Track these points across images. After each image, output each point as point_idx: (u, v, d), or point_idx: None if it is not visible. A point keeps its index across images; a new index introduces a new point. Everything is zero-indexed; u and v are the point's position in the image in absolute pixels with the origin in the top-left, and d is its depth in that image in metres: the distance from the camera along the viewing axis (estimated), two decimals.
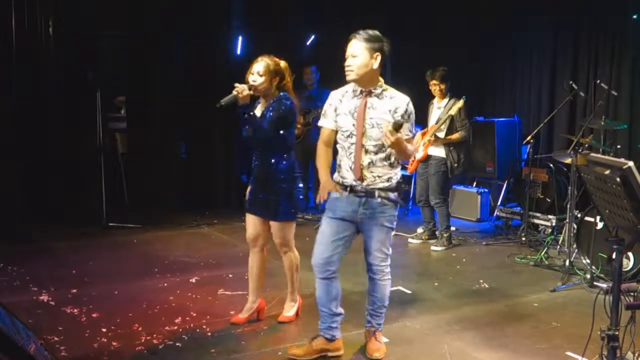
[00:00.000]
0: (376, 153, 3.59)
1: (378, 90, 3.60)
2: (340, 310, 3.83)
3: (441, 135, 6.35)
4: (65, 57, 7.33)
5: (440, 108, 6.45)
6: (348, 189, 3.64)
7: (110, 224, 6.89)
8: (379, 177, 3.61)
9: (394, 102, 3.58)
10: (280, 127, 4.04)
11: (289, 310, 4.41)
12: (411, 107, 3.61)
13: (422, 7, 8.74)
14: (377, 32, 3.56)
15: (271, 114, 4.02)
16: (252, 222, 4.27)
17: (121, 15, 7.56)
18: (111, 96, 7.64)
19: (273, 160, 4.08)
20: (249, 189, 4.26)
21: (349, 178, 3.64)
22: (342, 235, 3.68)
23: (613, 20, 7.12)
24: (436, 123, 6.37)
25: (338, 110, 3.66)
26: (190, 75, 7.94)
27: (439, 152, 6.38)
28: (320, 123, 3.79)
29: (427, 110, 6.64)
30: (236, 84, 4.00)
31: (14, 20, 7.00)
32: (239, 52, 7.96)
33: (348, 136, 3.62)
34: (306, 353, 3.75)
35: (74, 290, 4.91)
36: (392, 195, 3.66)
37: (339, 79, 3.78)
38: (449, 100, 6.41)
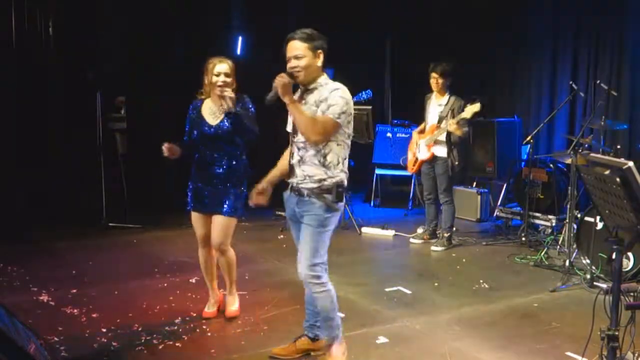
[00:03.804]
0: (306, 150, 3.47)
1: (312, 85, 3.50)
2: None
3: (442, 137, 6.32)
4: (65, 57, 7.33)
5: (441, 105, 6.35)
6: (289, 186, 3.62)
7: (110, 224, 6.89)
8: (309, 176, 3.48)
9: (319, 92, 3.46)
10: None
11: (234, 303, 4.48)
12: (336, 95, 3.39)
13: (422, 7, 8.75)
14: (314, 30, 3.50)
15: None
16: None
17: (121, 15, 7.56)
18: (111, 96, 7.63)
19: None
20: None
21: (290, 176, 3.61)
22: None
23: (613, 20, 7.12)
24: (438, 122, 6.33)
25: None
26: (190, 75, 7.91)
27: (443, 152, 6.36)
28: None
29: (424, 105, 6.55)
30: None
31: (14, 20, 7.00)
32: (239, 52, 7.96)
33: (292, 134, 3.61)
34: (289, 353, 3.78)
35: (74, 290, 4.92)
36: (327, 195, 3.45)
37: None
38: (450, 97, 6.33)
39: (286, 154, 3.71)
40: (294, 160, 3.54)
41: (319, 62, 3.48)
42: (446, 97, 6.35)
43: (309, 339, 3.83)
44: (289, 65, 3.47)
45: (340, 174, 3.49)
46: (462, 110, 6.10)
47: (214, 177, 4.20)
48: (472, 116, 6.08)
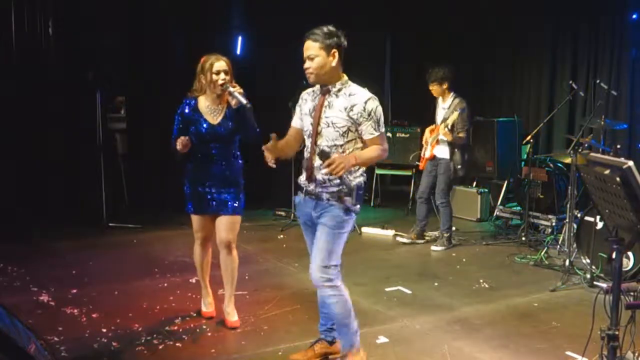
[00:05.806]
0: (330, 154, 3.28)
1: (336, 88, 3.42)
2: None
3: (443, 137, 6.33)
4: (65, 57, 7.33)
5: (445, 108, 6.40)
6: (304, 190, 3.52)
7: (110, 224, 6.89)
8: (329, 180, 3.38)
9: (351, 99, 3.37)
10: None
11: (234, 315, 4.31)
12: (372, 104, 3.36)
13: (422, 6, 8.74)
14: (330, 27, 3.38)
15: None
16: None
17: (121, 15, 7.56)
18: (111, 96, 7.62)
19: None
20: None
21: (303, 179, 3.52)
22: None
23: (613, 20, 7.12)
24: (442, 123, 6.35)
25: (302, 110, 3.56)
26: (190, 76, 7.91)
27: (445, 153, 6.37)
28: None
29: (435, 105, 6.61)
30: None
31: (14, 20, 7.00)
32: (239, 52, 7.95)
33: (308, 136, 3.48)
34: (308, 358, 3.71)
35: (74, 290, 4.92)
36: (347, 198, 3.39)
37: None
38: (453, 99, 6.36)
39: (290, 138, 3.62)
40: (316, 164, 3.40)
41: (334, 61, 3.35)
42: (449, 99, 6.40)
43: (327, 342, 3.75)
44: (304, 66, 3.40)
45: (359, 177, 3.45)
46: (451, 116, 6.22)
47: (215, 177, 4.12)
48: (452, 123, 6.18)
